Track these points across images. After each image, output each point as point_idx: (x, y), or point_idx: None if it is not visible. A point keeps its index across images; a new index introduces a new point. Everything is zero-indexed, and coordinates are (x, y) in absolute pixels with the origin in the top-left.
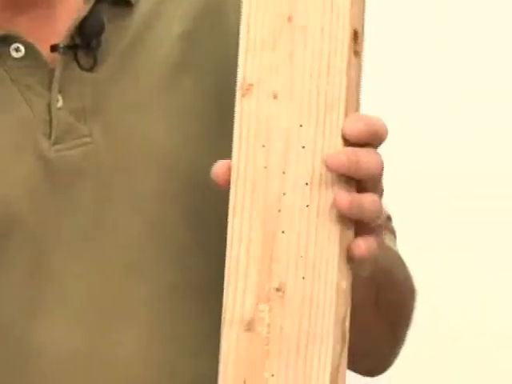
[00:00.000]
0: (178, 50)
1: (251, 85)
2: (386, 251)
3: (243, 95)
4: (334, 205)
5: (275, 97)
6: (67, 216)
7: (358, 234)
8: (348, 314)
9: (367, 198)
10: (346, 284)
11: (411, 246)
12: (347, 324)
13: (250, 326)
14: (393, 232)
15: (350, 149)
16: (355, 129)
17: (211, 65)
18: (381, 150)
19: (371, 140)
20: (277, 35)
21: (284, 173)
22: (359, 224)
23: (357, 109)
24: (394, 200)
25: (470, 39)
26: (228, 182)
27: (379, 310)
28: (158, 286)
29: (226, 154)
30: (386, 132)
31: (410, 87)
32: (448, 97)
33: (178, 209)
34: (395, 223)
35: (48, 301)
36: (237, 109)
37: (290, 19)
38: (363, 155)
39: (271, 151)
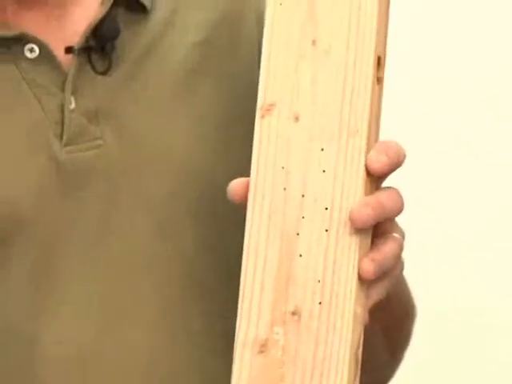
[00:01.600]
0: (192, 57)
1: (272, 105)
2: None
3: (263, 116)
4: (360, 271)
5: (296, 119)
6: (76, 217)
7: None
8: (361, 341)
9: (390, 250)
10: (361, 311)
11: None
12: (360, 351)
13: (264, 348)
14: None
15: (373, 198)
16: (379, 164)
17: (226, 73)
18: None
19: (392, 170)
20: (300, 58)
21: (303, 196)
22: None
23: (378, 133)
24: None
25: (470, 40)
26: (244, 199)
27: (381, 325)
28: (168, 287)
29: (239, 161)
30: (404, 157)
31: (409, 88)
32: (446, 97)
33: (188, 213)
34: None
35: (54, 301)
36: (256, 128)
37: (314, 43)
38: (387, 200)
39: (291, 173)
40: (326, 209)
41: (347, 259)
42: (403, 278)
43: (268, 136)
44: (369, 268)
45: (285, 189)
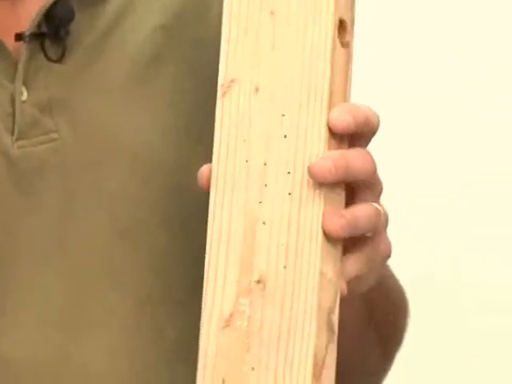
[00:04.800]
0: (153, 42)
1: (232, 81)
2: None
3: (224, 93)
4: (324, 228)
5: (257, 90)
6: (31, 218)
7: (350, 246)
8: (336, 306)
9: (362, 212)
10: (331, 273)
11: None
12: (335, 316)
13: (228, 322)
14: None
15: (336, 153)
16: (342, 120)
17: (191, 59)
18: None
19: (360, 131)
20: (259, 29)
21: (265, 164)
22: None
23: (345, 100)
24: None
25: (466, 37)
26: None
27: (372, 327)
28: (132, 294)
29: (207, 152)
30: (378, 121)
31: (406, 83)
32: (444, 94)
33: (154, 212)
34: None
35: (12, 305)
36: (218, 106)
37: (272, 13)
38: (352, 158)
39: (252, 144)
40: (289, 173)
41: (311, 217)
42: (391, 273)
43: (229, 112)
44: (334, 222)
45: (247, 161)
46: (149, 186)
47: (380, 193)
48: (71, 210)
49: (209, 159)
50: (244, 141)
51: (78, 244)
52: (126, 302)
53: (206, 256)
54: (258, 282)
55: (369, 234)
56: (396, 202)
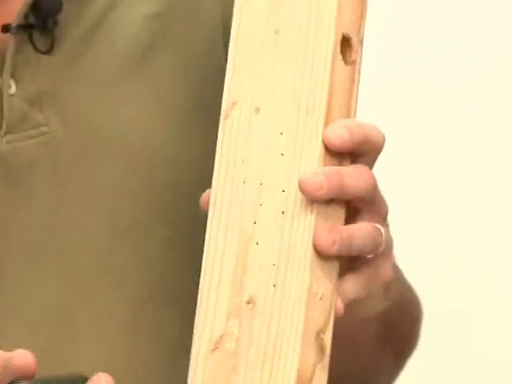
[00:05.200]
0: (147, 31)
1: (234, 103)
2: (398, 284)
3: (226, 116)
4: (315, 243)
5: (257, 110)
6: (22, 214)
7: (349, 267)
8: (329, 325)
9: (359, 230)
10: (324, 291)
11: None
12: (326, 336)
13: (218, 345)
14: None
15: (330, 168)
16: (337, 136)
17: (185, 48)
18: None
19: (360, 150)
20: (263, 49)
21: (261, 184)
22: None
23: (348, 118)
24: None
25: (469, 40)
26: None
27: (389, 346)
28: (132, 293)
29: (204, 144)
30: (382, 140)
31: (407, 89)
32: (446, 98)
33: (152, 209)
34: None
35: (5, 309)
36: (220, 128)
37: (276, 32)
38: (348, 174)
39: (250, 164)
40: (283, 191)
41: (302, 234)
42: (404, 280)
43: (230, 133)
44: (325, 238)
45: (244, 182)
46: (148, 183)
47: (385, 215)
48: (64, 206)
49: (210, 158)
50: (242, 161)
51: (74, 242)
52: (126, 302)
53: (201, 279)
54: (248, 302)
55: (369, 256)
56: (397, 207)
